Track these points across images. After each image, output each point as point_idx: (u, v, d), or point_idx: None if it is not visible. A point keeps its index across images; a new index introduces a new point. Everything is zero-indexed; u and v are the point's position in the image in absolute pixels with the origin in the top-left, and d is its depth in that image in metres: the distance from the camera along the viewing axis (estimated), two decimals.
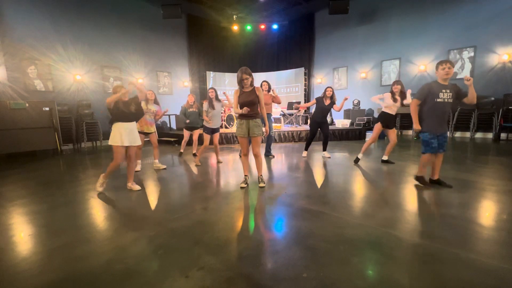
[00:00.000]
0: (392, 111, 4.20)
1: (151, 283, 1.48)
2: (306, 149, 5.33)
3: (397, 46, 9.01)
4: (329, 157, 5.06)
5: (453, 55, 7.84)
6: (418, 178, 3.09)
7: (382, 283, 1.43)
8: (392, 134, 4.30)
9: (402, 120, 8.54)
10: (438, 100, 2.77)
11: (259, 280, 1.47)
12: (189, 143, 6.17)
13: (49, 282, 1.52)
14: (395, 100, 4.10)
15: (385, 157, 4.41)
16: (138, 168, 4.39)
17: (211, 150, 6.36)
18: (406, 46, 8.79)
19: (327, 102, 4.85)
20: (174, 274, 1.55)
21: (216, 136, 4.89)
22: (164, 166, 4.51)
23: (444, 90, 2.77)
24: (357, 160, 4.45)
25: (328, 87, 4.84)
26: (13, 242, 2.04)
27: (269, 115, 5.06)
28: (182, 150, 5.83)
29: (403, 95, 4.10)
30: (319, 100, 4.91)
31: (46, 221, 2.42)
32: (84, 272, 1.60)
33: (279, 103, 5.03)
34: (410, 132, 8.84)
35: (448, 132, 7.59)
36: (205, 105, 4.68)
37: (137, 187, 3.26)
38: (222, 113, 9.01)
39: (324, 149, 5.17)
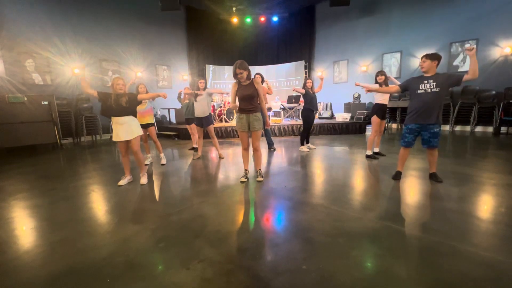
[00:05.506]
0: (386, 101, 4.27)
1: (152, 276, 1.50)
2: (304, 143, 5.28)
3: (399, 39, 8.90)
4: (315, 148, 5.44)
5: (454, 48, 7.76)
6: (396, 172, 3.21)
7: (380, 275, 1.45)
8: (382, 125, 4.44)
9: (402, 114, 8.51)
10: (419, 91, 2.85)
11: (259, 272, 1.49)
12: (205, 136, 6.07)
13: (51, 274, 1.54)
14: None
15: (376, 149, 4.52)
16: (147, 161, 4.38)
17: (211, 144, 6.35)
18: (408, 39, 8.68)
19: (312, 91, 5.11)
20: (175, 266, 1.57)
21: (210, 129, 4.69)
22: (164, 162, 4.42)
23: (426, 81, 2.83)
24: (368, 157, 4.43)
25: (308, 80, 5.13)
26: (16, 235, 2.06)
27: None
28: (194, 145, 5.62)
29: (387, 82, 4.24)
30: (307, 92, 5.05)
31: (48, 214, 2.44)
32: (86, 264, 1.62)
33: (270, 93, 5.15)
34: None
35: (448, 126, 7.67)
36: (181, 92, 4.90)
37: (144, 181, 3.29)
38: (221, 107, 9.00)
39: (308, 141, 5.42)
